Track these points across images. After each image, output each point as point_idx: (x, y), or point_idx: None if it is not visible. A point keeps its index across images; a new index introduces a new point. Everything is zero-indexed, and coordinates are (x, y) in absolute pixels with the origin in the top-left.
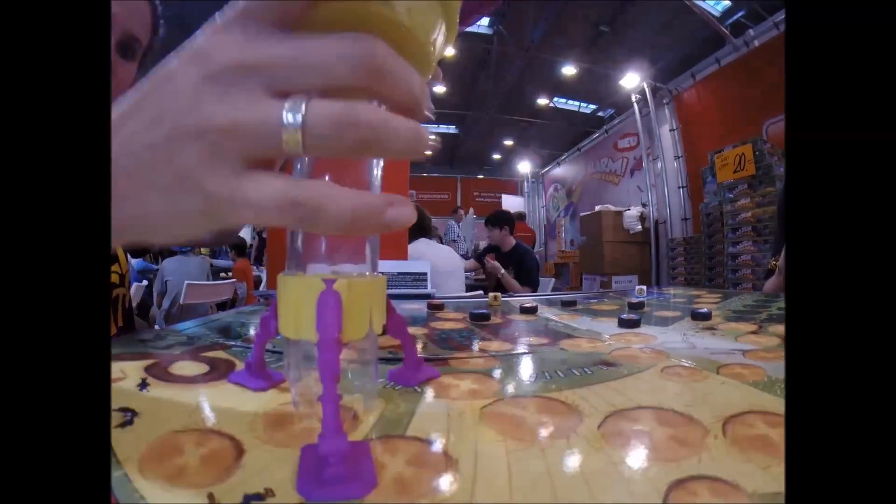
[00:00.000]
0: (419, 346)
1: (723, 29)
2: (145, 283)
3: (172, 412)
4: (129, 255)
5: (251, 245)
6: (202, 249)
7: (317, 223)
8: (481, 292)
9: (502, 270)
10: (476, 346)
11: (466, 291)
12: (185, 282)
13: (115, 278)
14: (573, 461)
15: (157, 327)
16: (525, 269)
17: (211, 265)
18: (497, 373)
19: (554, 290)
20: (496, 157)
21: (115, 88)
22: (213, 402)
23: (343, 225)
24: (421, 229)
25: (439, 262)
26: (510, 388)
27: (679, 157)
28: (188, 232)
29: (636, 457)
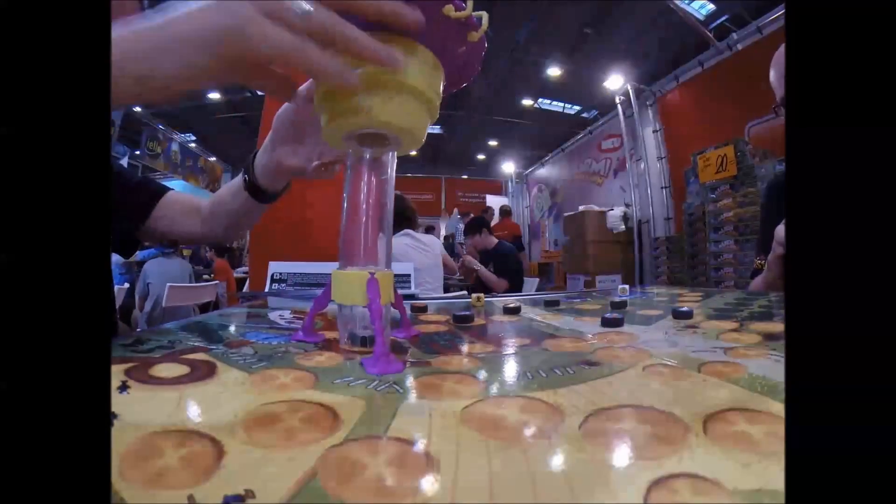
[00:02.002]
0: (407, 353)
1: (706, 32)
2: (127, 285)
3: (152, 414)
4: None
5: (236, 247)
6: (183, 251)
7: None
8: (465, 293)
9: (477, 266)
10: (459, 347)
11: (447, 292)
12: (167, 284)
13: None
14: (554, 461)
15: (138, 330)
16: (501, 264)
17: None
18: (480, 373)
19: (538, 289)
20: (480, 157)
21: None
22: (194, 404)
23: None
24: (406, 221)
25: (425, 252)
26: (492, 389)
27: (662, 158)
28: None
29: (617, 456)
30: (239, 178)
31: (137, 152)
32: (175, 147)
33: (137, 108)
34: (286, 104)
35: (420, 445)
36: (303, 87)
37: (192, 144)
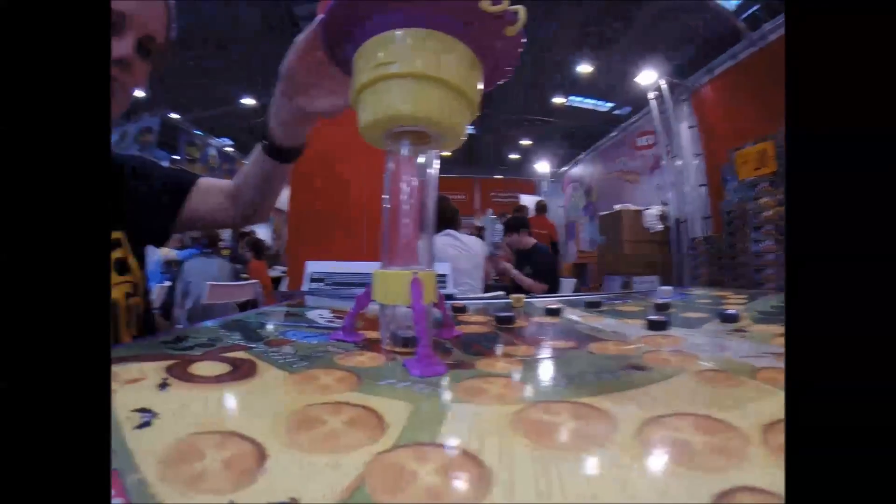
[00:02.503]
0: (450, 355)
1: (738, 22)
2: (168, 283)
3: (192, 413)
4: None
5: (274, 248)
6: (222, 251)
7: None
8: (503, 293)
9: (514, 270)
10: (502, 349)
11: (486, 292)
12: (207, 282)
13: (128, 288)
14: (612, 471)
15: (178, 327)
16: (539, 267)
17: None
18: (525, 377)
19: (576, 290)
20: (513, 156)
21: (130, 85)
22: (234, 404)
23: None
24: (448, 221)
25: (466, 253)
26: (539, 393)
27: (699, 155)
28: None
29: (677, 466)
30: (258, 149)
31: (176, 157)
32: (213, 151)
33: (174, 115)
34: (288, 55)
35: (471, 453)
36: (301, 36)
37: (229, 149)
